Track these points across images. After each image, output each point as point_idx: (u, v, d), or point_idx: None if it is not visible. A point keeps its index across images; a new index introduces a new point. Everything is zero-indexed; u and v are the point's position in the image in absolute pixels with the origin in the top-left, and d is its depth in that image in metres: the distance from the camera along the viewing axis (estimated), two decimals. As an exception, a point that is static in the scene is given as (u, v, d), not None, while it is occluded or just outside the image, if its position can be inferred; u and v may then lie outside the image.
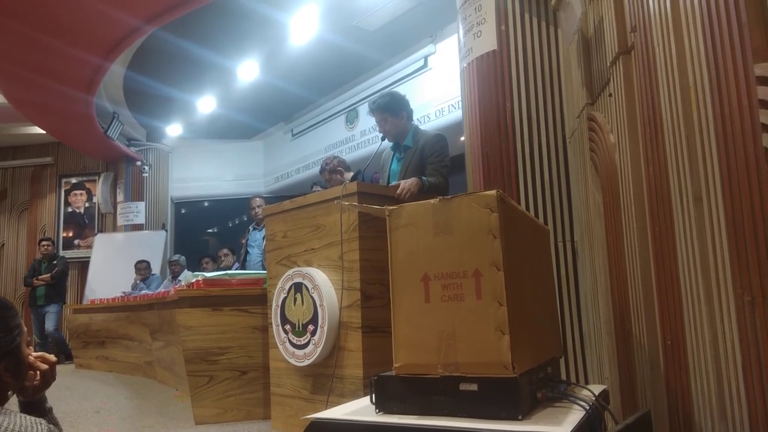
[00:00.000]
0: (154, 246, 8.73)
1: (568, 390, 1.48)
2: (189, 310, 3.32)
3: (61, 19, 5.02)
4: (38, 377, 1.29)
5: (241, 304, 3.34)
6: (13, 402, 1.25)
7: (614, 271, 2.03)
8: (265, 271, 3.16)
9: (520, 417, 1.25)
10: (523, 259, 1.52)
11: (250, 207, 5.44)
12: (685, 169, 1.44)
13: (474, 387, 1.30)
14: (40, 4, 4.73)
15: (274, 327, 2.77)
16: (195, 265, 7.04)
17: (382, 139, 3.37)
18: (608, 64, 2.01)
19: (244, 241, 5.62)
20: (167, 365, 4.71)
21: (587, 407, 1.34)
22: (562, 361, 2.51)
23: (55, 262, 7.66)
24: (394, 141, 3.35)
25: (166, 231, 9.29)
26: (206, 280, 3.43)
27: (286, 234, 2.84)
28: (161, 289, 6.04)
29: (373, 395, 1.44)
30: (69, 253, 9.15)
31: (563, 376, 2.46)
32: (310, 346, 2.54)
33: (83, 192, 9.69)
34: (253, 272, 3.81)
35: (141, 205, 9.34)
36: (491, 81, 2.86)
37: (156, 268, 8.00)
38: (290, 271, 2.70)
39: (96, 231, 9.45)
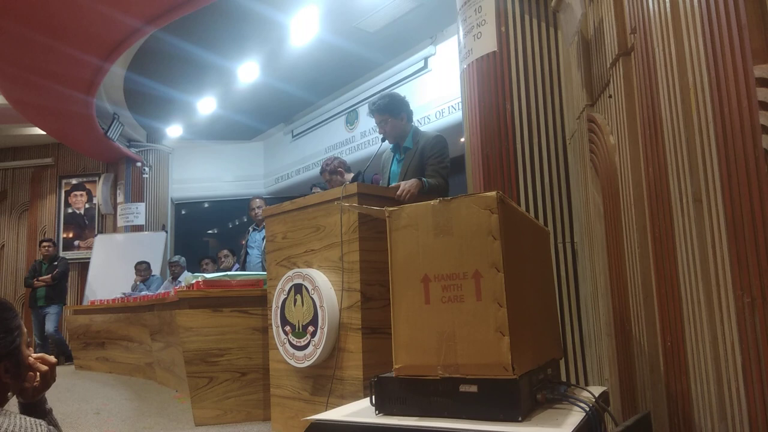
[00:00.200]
0: (154, 247, 8.73)
1: (568, 391, 1.48)
2: (189, 312, 3.32)
3: (62, 21, 5.03)
4: (38, 378, 1.29)
5: (241, 306, 3.34)
6: (13, 403, 1.25)
7: (614, 273, 2.03)
8: (265, 273, 3.16)
9: (519, 418, 1.25)
10: (523, 260, 1.52)
11: (250, 208, 5.44)
12: (684, 170, 1.44)
13: (474, 388, 1.30)
14: (40, 6, 4.74)
15: (274, 328, 2.77)
16: (195, 266, 7.05)
17: (383, 140, 3.37)
18: (608, 66, 2.01)
19: (244, 242, 5.62)
20: (167, 366, 4.71)
21: (587, 409, 1.34)
22: (562, 362, 2.51)
23: (55, 263, 7.66)
24: (394, 142, 3.35)
25: (166, 232, 9.29)
26: (206, 281, 3.43)
27: (286, 235, 2.84)
28: (161, 290, 6.04)
29: (373, 396, 1.44)
30: (69, 254, 9.15)
31: (563, 378, 2.46)
32: (310, 348, 2.54)
33: (83, 193, 9.70)
34: (253, 273, 3.81)
35: (141, 206, 9.34)
36: (491, 82, 2.86)
37: (156, 269, 8.00)
38: (290, 272, 2.70)
39: (96, 232, 9.45)
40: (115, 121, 8.18)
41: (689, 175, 1.41)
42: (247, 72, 7.31)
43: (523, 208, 2.69)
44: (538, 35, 2.86)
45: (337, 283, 2.53)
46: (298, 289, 2.64)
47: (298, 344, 2.60)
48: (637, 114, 1.77)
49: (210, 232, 11.00)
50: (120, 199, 9.47)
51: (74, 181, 9.74)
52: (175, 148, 9.88)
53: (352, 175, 3.85)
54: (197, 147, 10.00)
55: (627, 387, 1.96)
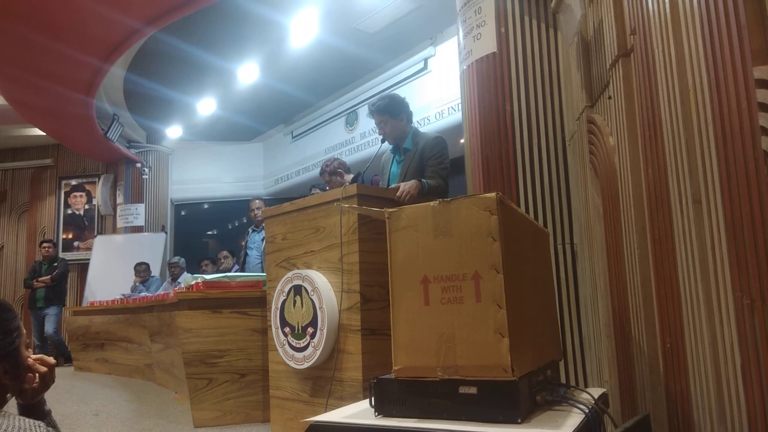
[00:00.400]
0: (154, 248, 8.72)
1: (568, 393, 1.48)
2: (188, 313, 3.31)
3: (61, 22, 5.03)
4: (37, 380, 1.29)
5: (241, 307, 3.34)
6: (12, 404, 1.25)
7: (614, 274, 2.03)
8: (265, 274, 3.16)
9: (519, 420, 1.25)
10: (523, 261, 1.52)
11: (249, 209, 5.44)
12: (684, 171, 1.44)
13: (473, 390, 1.30)
14: (40, 7, 4.74)
15: (273, 329, 2.77)
16: (194, 268, 7.04)
17: (382, 142, 3.37)
18: (608, 67, 2.01)
19: (243, 243, 5.62)
20: (166, 368, 4.71)
21: (587, 410, 1.34)
22: (561, 364, 2.51)
23: (55, 264, 7.65)
24: (394, 143, 3.35)
25: (166, 233, 9.29)
26: (206, 283, 3.43)
27: (286, 236, 2.84)
28: (161, 292, 6.04)
29: (373, 398, 1.44)
30: (68, 255, 9.14)
31: (563, 379, 2.46)
32: (310, 349, 2.54)
33: (83, 194, 9.70)
34: (252, 275, 3.80)
35: (141, 207, 9.34)
36: (491, 83, 2.86)
37: (155, 270, 8.00)
38: (290, 274, 2.70)
39: (96, 233, 9.45)
40: (114, 122, 8.18)
41: (689, 176, 1.41)
42: (247, 73, 7.31)
43: (522, 209, 2.69)
44: (537, 36, 2.86)
45: (337, 285, 2.52)
46: (297, 290, 2.64)
47: (298, 346, 2.60)
48: (637, 115, 1.77)
49: (209, 233, 11.00)
50: (120, 200, 9.47)
51: (74, 182, 9.74)
52: (174, 149, 9.89)
53: (351, 176, 3.85)
54: (197, 148, 10.00)
55: (626, 388, 1.95)
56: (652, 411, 1.70)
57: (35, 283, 7.50)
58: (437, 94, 6.68)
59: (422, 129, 4.74)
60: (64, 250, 9.33)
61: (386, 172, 3.43)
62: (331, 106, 8.55)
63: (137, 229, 9.23)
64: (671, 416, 1.60)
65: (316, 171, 5.04)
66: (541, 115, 2.79)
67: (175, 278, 6.85)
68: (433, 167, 3.12)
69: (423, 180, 2.94)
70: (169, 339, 4.35)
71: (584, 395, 1.52)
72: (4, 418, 1.07)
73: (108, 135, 8.10)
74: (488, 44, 2.89)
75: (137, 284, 7.33)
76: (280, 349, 2.71)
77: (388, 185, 3.27)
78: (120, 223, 9.31)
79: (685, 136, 1.42)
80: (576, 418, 1.31)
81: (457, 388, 1.32)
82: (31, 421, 1.10)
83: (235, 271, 5.68)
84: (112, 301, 6.30)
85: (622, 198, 1.92)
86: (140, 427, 3.27)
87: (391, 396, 1.41)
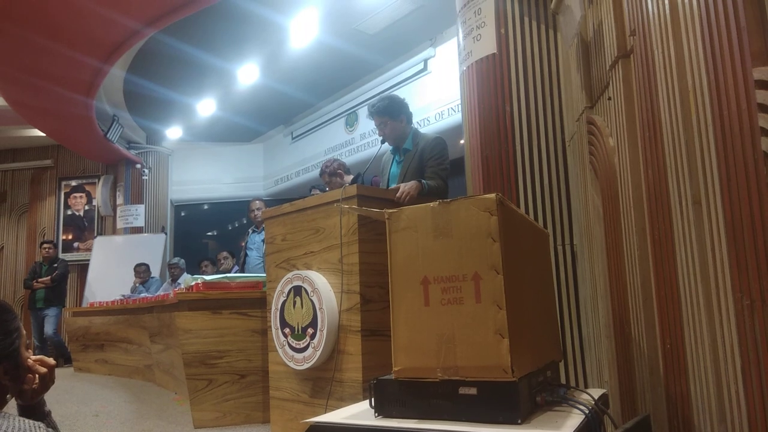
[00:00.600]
0: (154, 249, 8.72)
1: (568, 394, 1.48)
2: (188, 314, 3.31)
3: (61, 23, 5.03)
4: (37, 380, 1.29)
5: (241, 308, 3.34)
6: (12, 405, 1.25)
7: (614, 275, 2.03)
8: (265, 274, 3.16)
9: (519, 421, 1.25)
10: (523, 262, 1.52)
11: (249, 209, 5.44)
12: (684, 172, 1.44)
13: (473, 391, 1.30)
14: (40, 8, 4.74)
15: (273, 330, 2.77)
16: (194, 268, 7.04)
17: (382, 142, 3.37)
18: (607, 68, 2.01)
19: (243, 244, 5.62)
20: (166, 368, 4.70)
21: (587, 411, 1.34)
22: (561, 364, 2.51)
23: (55, 265, 7.65)
24: (394, 144, 3.35)
25: (166, 234, 9.29)
26: (206, 283, 3.43)
27: (286, 237, 2.84)
28: (160, 292, 6.04)
29: (373, 399, 1.44)
30: (68, 256, 9.14)
31: (563, 380, 2.46)
32: (310, 350, 2.54)
33: (83, 195, 9.70)
34: (252, 275, 3.80)
35: (141, 208, 9.34)
36: (491, 84, 2.86)
37: (155, 271, 7.99)
38: (290, 274, 2.70)
39: (95, 234, 9.45)
40: (114, 123, 8.18)
41: (688, 177, 1.41)
42: (247, 74, 7.32)
43: (522, 210, 2.69)
44: (537, 37, 2.86)
45: (337, 285, 2.52)
46: (297, 291, 2.64)
47: (298, 346, 2.60)
48: (637, 116, 1.77)
49: (209, 234, 10.99)
50: (119, 200, 9.47)
51: (74, 183, 9.74)
52: (174, 150, 9.89)
53: (351, 177, 3.85)
54: (197, 149, 10.00)
55: (626, 389, 1.95)
56: (652, 412, 1.70)
57: (35, 283, 7.50)
58: (437, 95, 6.68)
59: (422, 130, 4.74)
60: (63, 251, 9.33)
61: (386, 173, 3.43)
62: (331, 107, 8.55)
63: (137, 230, 9.23)
64: (671, 417, 1.60)
65: (316, 172, 5.04)
66: (541, 116, 2.79)
67: (174, 279, 6.84)
68: (432, 168, 3.12)
69: (423, 181, 2.94)
70: (169, 340, 4.35)
71: (584, 396, 1.52)
72: (3, 419, 1.07)
73: (108, 136, 8.10)
74: (488, 45, 2.89)
75: (137, 285, 7.32)
76: (280, 350, 2.71)
77: (388, 186, 3.27)
78: (120, 224, 9.31)
79: (685, 138, 1.42)
80: (576, 419, 1.31)
81: (457, 389, 1.32)
82: (31, 422, 1.10)
83: (235, 272, 5.68)
84: (112, 302, 6.30)
85: (622, 199, 1.92)
86: (140, 428, 3.27)
87: (391, 397, 1.41)
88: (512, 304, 1.31)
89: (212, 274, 5.93)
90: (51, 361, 1.33)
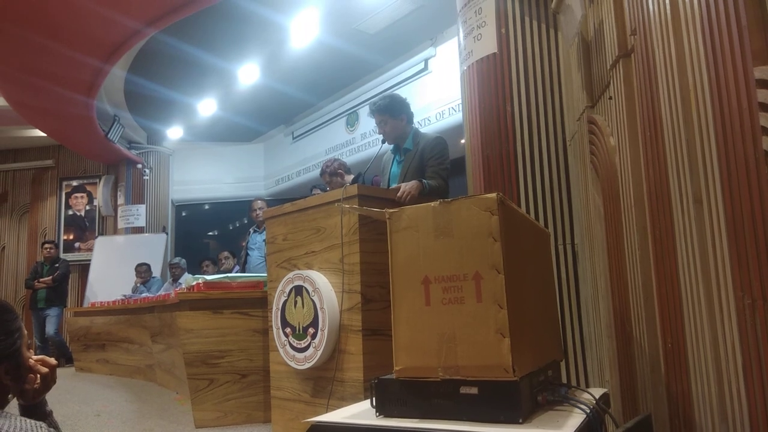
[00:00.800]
0: (155, 249, 8.73)
1: (569, 393, 1.48)
2: (189, 313, 3.32)
3: (62, 23, 5.04)
4: (38, 380, 1.29)
5: (242, 307, 3.34)
6: (13, 405, 1.25)
7: (614, 274, 2.03)
8: (266, 274, 3.16)
9: (520, 420, 1.25)
10: (524, 262, 1.52)
11: (251, 209, 5.44)
12: (685, 171, 1.44)
13: (474, 390, 1.30)
14: (40, 8, 4.75)
15: (274, 330, 2.77)
16: (195, 268, 7.04)
17: (382, 141, 3.37)
18: (608, 67, 2.01)
19: (244, 244, 5.62)
20: (167, 368, 4.71)
21: (588, 411, 1.34)
22: (562, 364, 2.51)
23: (56, 265, 7.66)
24: (394, 143, 3.35)
25: (167, 234, 9.29)
26: (207, 283, 3.43)
27: (287, 237, 2.84)
28: (162, 292, 6.04)
29: (374, 398, 1.44)
30: (69, 256, 9.14)
31: (564, 380, 2.46)
32: (311, 349, 2.54)
33: (84, 195, 9.70)
34: (253, 275, 3.80)
35: (142, 208, 9.35)
36: (491, 84, 2.86)
37: (156, 271, 8.00)
38: (291, 274, 2.70)
39: (96, 234, 9.45)
40: (115, 123, 8.19)
41: (689, 176, 1.41)
42: (248, 74, 7.32)
43: (523, 209, 2.69)
44: (538, 37, 2.86)
45: (338, 285, 2.53)
46: (298, 290, 2.64)
47: (299, 346, 2.60)
48: (638, 115, 1.77)
49: (210, 233, 11.00)
50: (120, 200, 9.47)
51: (75, 183, 9.75)
52: (175, 150, 9.89)
53: (352, 176, 3.85)
54: (198, 149, 10.01)
55: (628, 388, 1.95)
56: (654, 411, 1.70)
57: (36, 284, 7.51)
58: (438, 94, 6.68)
59: (423, 129, 4.74)
60: (65, 251, 9.34)
61: (387, 173, 3.43)
62: (331, 106, 8.55)
63: (138, 230, 9.23)
64: (672, 416, 1.60)
65: (317, 172, 5.05)
66: (542, 115, 2.79)
67: (176, 279, 6.85)
68: (433, 167, 3.12)
69: (424, 180, 2.94)
70: (170, 339, 4.36)
71: (585, 395, 1.52)
72: (5, 418, 1.07)
73: (109, 136, 8.11)
74: (489, 45, 2.89)
75: (138, 285, 7.33)
76: (281, 350, 2.71)
77: (389, 186, 3.27)
78: (121, 224, 9.31)
79: (686, 136, 1.42)
80: (577, 418, 1.31)
81: (458, 389, 1.32)
82: (33, 421, 1.10)
83: (236, 272, 5.68)
84: (113, 302, 6.30)
85: (623, 198, 1.92)
86: (141, 427, 3.28)
87: (392, 396, 1.41)
88: (513, 303, 1.31)
89: (213, 273, 5.93)
90: (52, 361, 1.33)
